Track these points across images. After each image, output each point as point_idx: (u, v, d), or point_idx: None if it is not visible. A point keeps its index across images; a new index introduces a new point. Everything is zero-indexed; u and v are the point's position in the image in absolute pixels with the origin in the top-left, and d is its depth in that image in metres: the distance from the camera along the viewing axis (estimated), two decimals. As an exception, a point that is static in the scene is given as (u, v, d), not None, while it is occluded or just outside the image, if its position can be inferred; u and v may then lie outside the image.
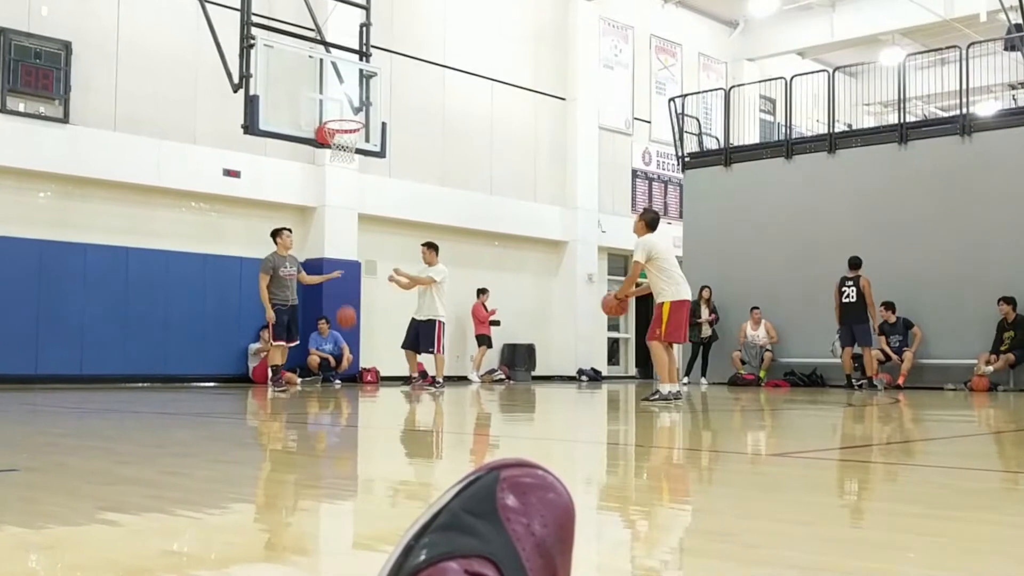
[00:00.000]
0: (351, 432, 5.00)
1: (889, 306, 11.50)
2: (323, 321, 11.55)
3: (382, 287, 11.15)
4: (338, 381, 11.35)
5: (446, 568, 0.68)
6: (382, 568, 0.69)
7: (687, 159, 14.10)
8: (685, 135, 14.15)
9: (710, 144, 14.45)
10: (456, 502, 0.72)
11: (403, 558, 0.69)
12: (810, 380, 12.26)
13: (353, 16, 10.12)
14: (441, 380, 10.07)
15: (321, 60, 9.18)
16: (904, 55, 13.50)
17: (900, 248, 11.67)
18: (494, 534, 0.70)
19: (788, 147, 13.04)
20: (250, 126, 8.46)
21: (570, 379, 14.74)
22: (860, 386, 10.85)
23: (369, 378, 12.16)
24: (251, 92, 8.44)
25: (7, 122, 9.76)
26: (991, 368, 10.67)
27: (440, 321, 9.73)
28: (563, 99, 15.47)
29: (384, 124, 9.40)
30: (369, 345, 12.34)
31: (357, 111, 9.18)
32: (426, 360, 10.38)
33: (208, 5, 9.06)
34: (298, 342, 9.53)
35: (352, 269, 11.93)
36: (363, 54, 9.53)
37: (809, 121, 14.11)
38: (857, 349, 11.17)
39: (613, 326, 16.59)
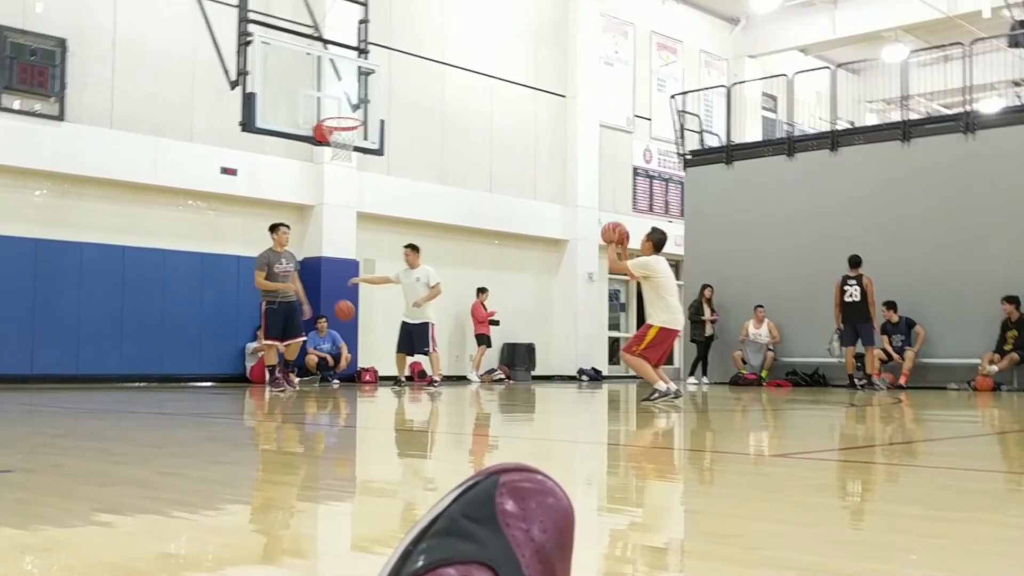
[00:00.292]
0: (349, 433, 4.98)
1: (891, 306, 11.48)
2: (322, 320, 11.52)
3: (380, 287, 11.13)
4: (336, 381, 11.33)
5: (444, 574, 0.67)
6: (379, 573, 0.69)
7: (688, 157, 14.08)
8: (686, 133, 14.13)
9: (711, 142, 14.42)
10: (455, 507, 0.71)
11: (401, 563, 0.68)
12: (812, 380, 12.24)
13: (351, 13, 10.09)
14: (439, 378, 10.09)
15: (319, 57, 9.15)
16: (907, 52, 13.49)
17: (903, 246, 11.65)
18: (493, 540, 0.70)
19: (790, 145, 13.02)
20: (247, 124, 8.45)
21: (570, 379, 14.72)
22: (862, 386, 10.83)
23: (367, 378, 12.14)
24: (248, 90, 8.42)
25: (2, 120, 9.73)
26: (996, 368, 10.65)
27: (432, 323, 9.97)
28: (563, 96, 15.44)
29: (382, 122, 9.38)
30: (367, 345, 12.32)
31: (355, 108, 9.16)
32: (423, 361, 10.41)
33: (205, 2, 9.03)
34: (303, 338, 9.19)
35: (350, 268, 11.91)
36: (361, 51, 9.51)
37: (811, 119, 14.08)
38: (860, 348, 11.15)
39: (614, 326, 16.58)
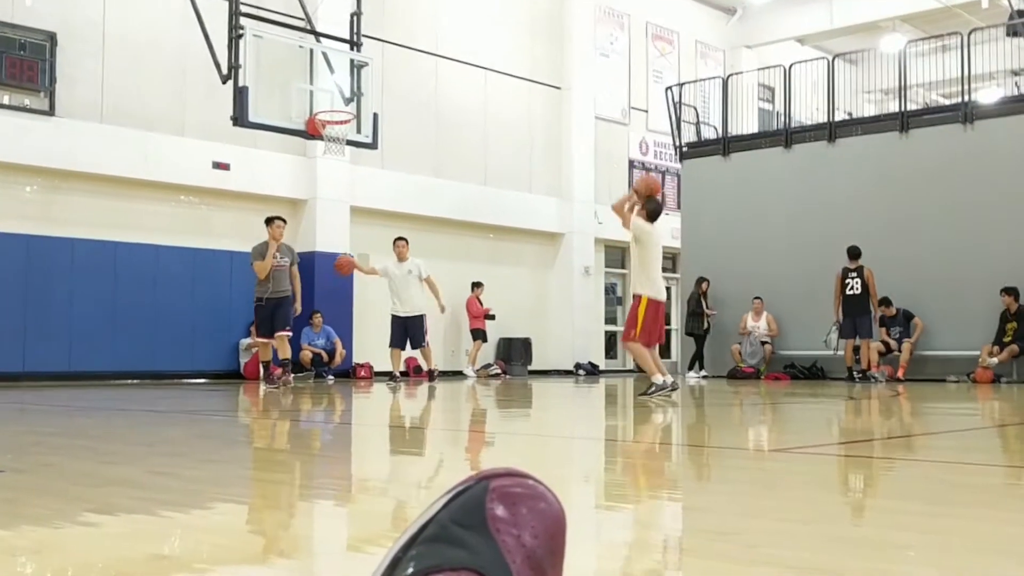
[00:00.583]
0: (344, 429, 4.95)
1: (885, 302, 11.41)
2: (316, 315, 11.48)
3: (375, 282, 11.08)
4: (331, 377, 11.29)
5: (434, 581, 0.66)
6: (370, 579, 0.68)
7: (685, 149, 14.05)
8: (683, 124, 14.09)
9: (708, 133, 14.38)
10: (444, 513, 0.70)
11: (390, 570, 0.67)
12: (810, 373, 12.23)
13: (343, 5, 10.04)
14: (436, 371, 10.11)
15: (311, 50, 9.09)
16: (905, 42, 13.43)
17: (901, 238, 11.64)
18: (484, 546, 0.68)
19: (787, 136, 13.00)
20: (239, 118, 8.38)
21: (567, 373, 14.71)
22: (860, 379, 10.83)
23: (362, 374, 12.12)
24: (240, 83, 8.35)
25: (-7, 115, 9.66)
26: (995, 360, 10.65)
27: (425, 315, 10.02)
28: (558, 88, 15.39)
29: (376, 115, 9.32)
30: (362, 340, 12.28)
31: (348, 102, 9.09)
32: (417, 356, 10.41)
33: (196, -5, 8.94)
34: (288, 332, 8.91)
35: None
36: (354, 44, 9.43)
37: (808, 109, 14.03)
38: (858, 341, 11.14)
39: (610, 320, 16.56)
